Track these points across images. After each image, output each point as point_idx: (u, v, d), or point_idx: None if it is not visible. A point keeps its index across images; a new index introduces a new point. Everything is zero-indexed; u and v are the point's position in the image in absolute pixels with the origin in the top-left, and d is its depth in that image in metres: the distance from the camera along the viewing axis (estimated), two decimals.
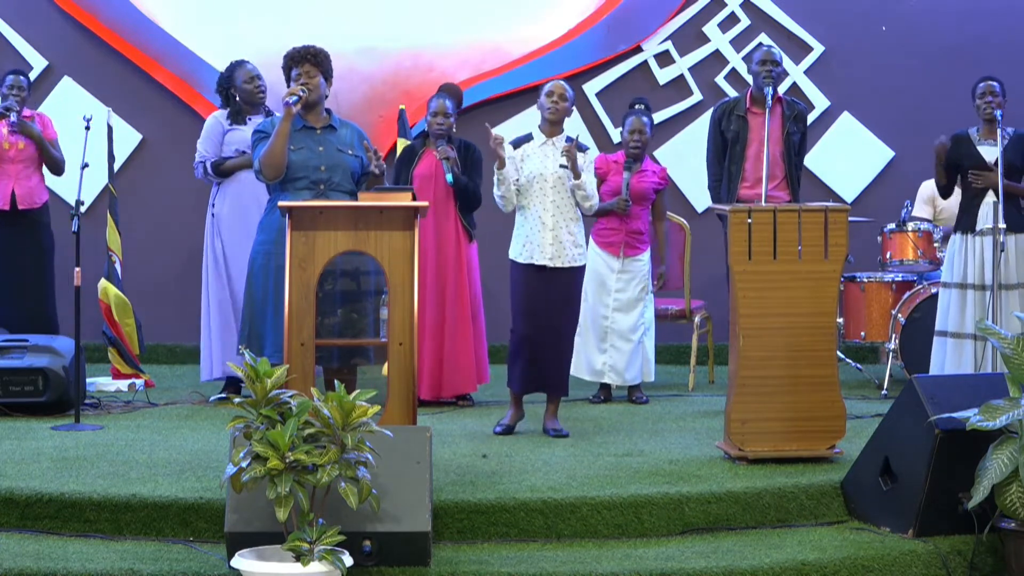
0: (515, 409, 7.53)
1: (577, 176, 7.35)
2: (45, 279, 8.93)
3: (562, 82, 7.52)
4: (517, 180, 7.42)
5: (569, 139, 7.40)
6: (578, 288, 7.56)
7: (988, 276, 7.86)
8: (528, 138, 7.51)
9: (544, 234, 7.39)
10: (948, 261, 8.11)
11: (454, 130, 8.38)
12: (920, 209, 9.40)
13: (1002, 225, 7.80)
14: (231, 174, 8.46)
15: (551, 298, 7.39)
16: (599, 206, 8.36)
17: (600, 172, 8.48)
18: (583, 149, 7.48)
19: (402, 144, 9.29)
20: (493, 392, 8.56)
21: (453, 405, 8.38)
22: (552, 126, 7.47)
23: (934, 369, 8.06)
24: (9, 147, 8.77)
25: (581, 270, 7.52)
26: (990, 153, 7.91)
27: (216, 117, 8.57)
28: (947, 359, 7.99)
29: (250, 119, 8.48)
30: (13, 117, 8.71)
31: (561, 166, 7.37)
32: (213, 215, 8.54)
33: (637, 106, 8.67)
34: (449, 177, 8.12)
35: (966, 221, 8.02)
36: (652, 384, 8.79)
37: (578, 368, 8.49)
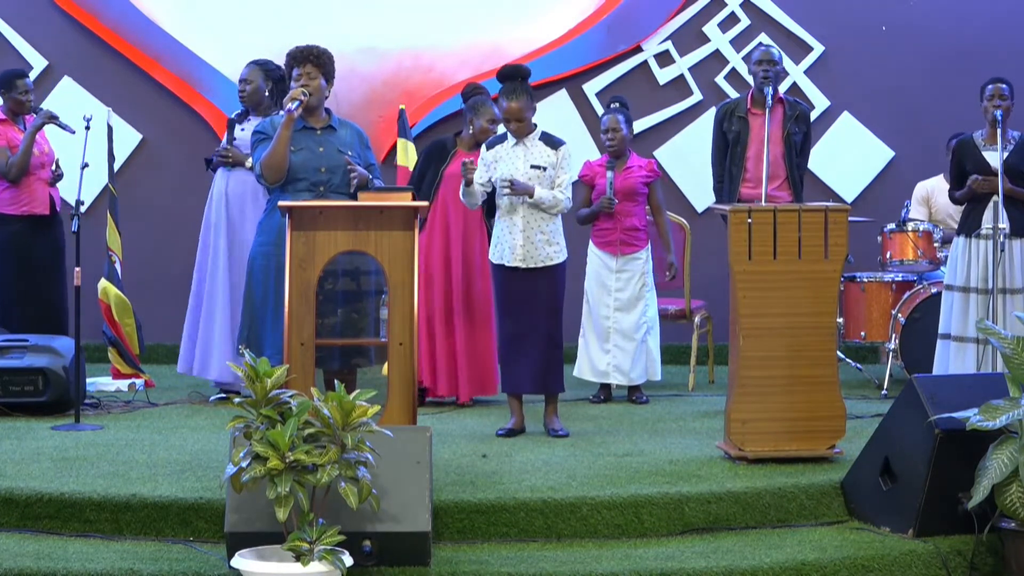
0: (517, 414, 7.51)
1: (531, 195, 7.29)
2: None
3: (515, 101, 7.27)
4: (485, 184, 7.40)
5: (513, 182, 7.29)
6: (558, 285, 7.43)
7: (991, 280, 7.85)
8: (503, 138, 7.48)
9: (515, 236, 7.36)
10: (951, 264, 8.09)
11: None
12: (915, 211, 9.40)
13: (1002, 226, 7.79)
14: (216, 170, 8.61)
15: (528, 298, 7.37)
16: (589, 211, 8.38)
17: (587, 178, 8.49)
18: (559, 144, 7.43)
19: (402, 144, 9.28)
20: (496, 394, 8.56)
21: (453, 405, 8.39)
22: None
23: (937, 372, 8.04)
24: (38, 154, 8.76)
25: (558, 268, 7.41)
26: (995, 158, 7.87)
27: (230, 118, 8.71)
28: (950, 362, 7.98)
29: (249, 119, 8.51)
30: (65, 124, 8.70)
31: (532, 166, 7.34)
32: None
33: (613, 105, 8.67)
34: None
35: (970, 224, 8.00)
36: (652, 384, 8.78)
37: (582, 369, 8.50)
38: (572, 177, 7.52)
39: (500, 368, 7.55)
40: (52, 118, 8.65)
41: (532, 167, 7.34)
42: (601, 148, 9.79)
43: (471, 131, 8.33)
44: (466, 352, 8.31)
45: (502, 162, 7.38)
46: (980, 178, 7.88)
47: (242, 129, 8.47)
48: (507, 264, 7.38)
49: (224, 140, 8.52)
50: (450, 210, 8.29)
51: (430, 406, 8.23)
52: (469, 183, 7.33)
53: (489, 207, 8.28)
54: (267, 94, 8.53)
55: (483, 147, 7.52)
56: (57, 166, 8.80)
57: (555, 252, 7.40)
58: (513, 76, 7.40)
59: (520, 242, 7.35)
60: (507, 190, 7.28)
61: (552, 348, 7.44)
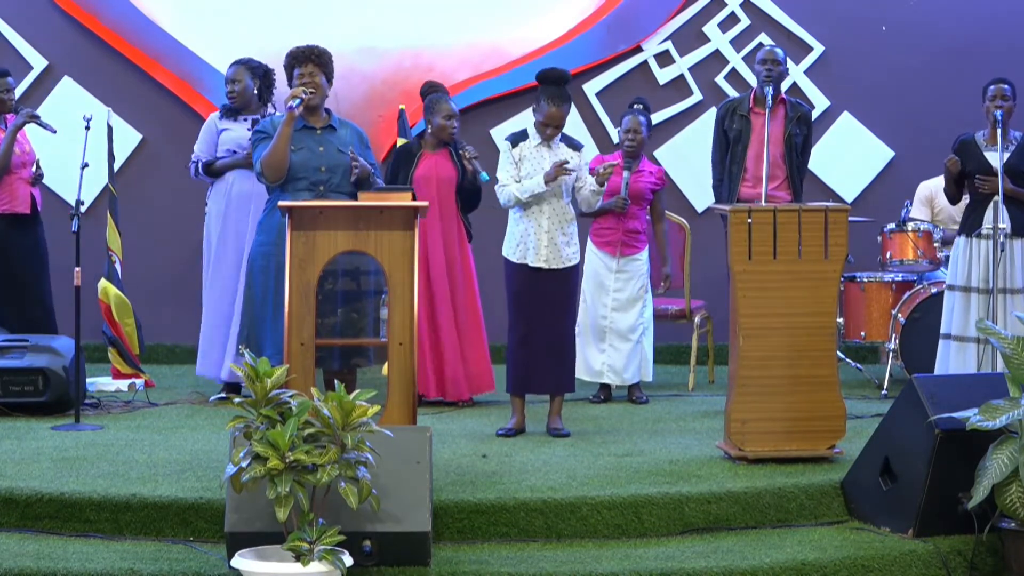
0: (518, 414, 7.51)
1: (601, 184, 7.38)
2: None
3: (559, 107, 7.29)
4: (516, 177, 7.42)
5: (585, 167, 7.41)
6: (575, 286, 7.55)
7: (992, 280, 7.84)
8: (524, 135, 7.48)
9: (539, 236, 7.37)
10: (952, 264, 8.08)
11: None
12: (918, 210, 9.40)
13: (1002, 226, 7.79)
14: (222, 174, 8.51)
15: (547, 298, 7.39)
16: (597, 206, 8.37)
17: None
18: (580, 147, 7.48)
19: (402, 144, 9.28)
20: (492, 392, 8.55)
21: (453, 405, 8.38)
22: None
23: (938, 372, 8.03)
24: (20, 153, 8.77)
25: (576, 268, 7.50)
26: (996, 158, 7.87)
27: (212, 117, 8.65)
28: (951, 362, 7.98)
29: (246, 118, 8.50)
30: (47, 123, 8.69)
31: (589, 169, 7.41)
32: (206, 214, 8.61)
33: (636, 106, 8.67)
34: (484, 175, 8.02)
35: (971, 224, 7.99)
36: (652, 384, 8.78)
37: (577, 368, 8.47)
38: None
39: (508, 367, 7.52)
40: (33, 117, 8.65)
41: (566, 168, 7.36)
42: (601, 147, 9.83)
43: (430, 129, 8.34)
44: (458, 352, 8.29)
45: (527, 160, 7.38)
46: (956, 157, 7.89)
47: (225, 129, 8.50)
48: (530, 264, 7.38)
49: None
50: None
51: (430, 406, 8.22)
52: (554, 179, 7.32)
53: (464, 202, 8.29)
54: (254, 92, 8.54)
55: (506, 142, 7.50)
56: (38, 166, 8.82)
57: (573, 254, 7.44)
58: (558, 81, 7.37)
59: (544, 243, 7.36)
60: (603, 185, 7.41)
61: (565, 348, 7.47)
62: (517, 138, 7.49)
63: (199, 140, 8.61)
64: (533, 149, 7.42)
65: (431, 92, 8.48)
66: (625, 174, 8.39)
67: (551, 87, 7.35)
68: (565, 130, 7.53)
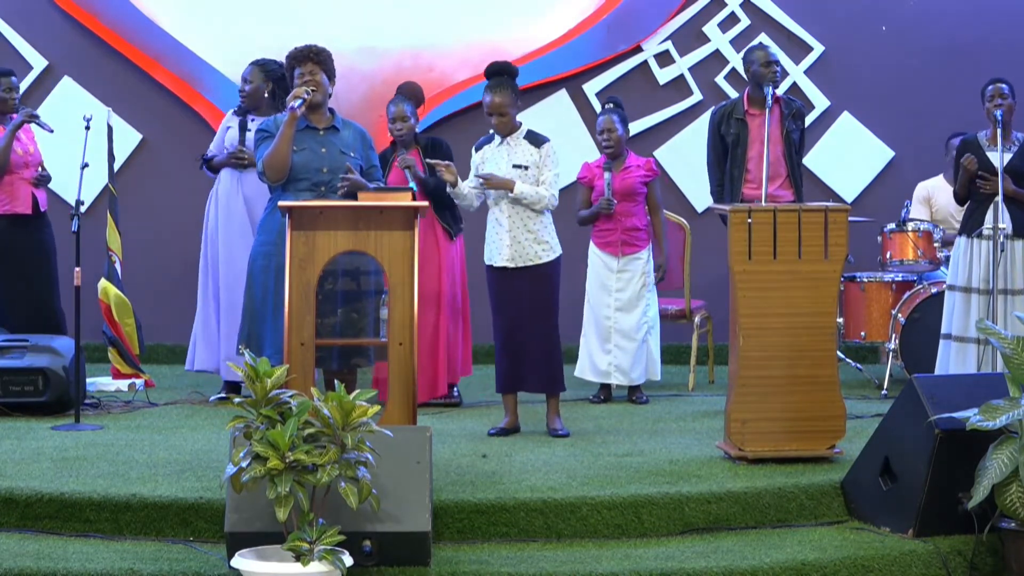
0: (510, 414, 7.51)
1: (511, 189, 7.29)
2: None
3: (495, 94, 7.31)
4: (477, 187, 7.40)
5: (482, 176, 7.34)
6: (549, 284, 7.41)
7: (992, 280, 7.84)
8: (490, 139, 7.49)
9: (502, 235, 7.37)
10: (953, 264, 8.08)
11: (417, 131, 8.40)
12: (916, 211, 9.39)
13: (1002, 226, 7.79)
14: (218, 171, 8.58)
15: (520, 297, 7.36)
16: (589, 212, 8.38)
17: (586, 180, 8.48)
18: (542, 142, 7.43)
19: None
20: (492, 392, 8.54)
21: (446, 405, 8.37)
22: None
23: (939, 372, 8.03)
24: (22, 153, 8.77)
25: (549, 265, 7.38)
26: (998, 159, 7.86)
27: (227, 115, 8.72)
28: (951, 363, 7.98)
29: (253, 119, 8.51)
30: (44, 122, 8.69)
31: (515, 166, 7.34)
32: (206, 214, 8.64)
33: (608, 105, 8.67)
34: (412, 184, 8.03)
35: (972, 224, 7.99)
36: (652, 384, 8.78)
37: (583, 369, 8.50)
38: (559, 173, 7.50)
39: (496, 368, 7.54)
40: (32, 116, 8.66)
41: (514, 167, 7.35)
42: (601, 148, 9.82)
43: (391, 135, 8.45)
44: (439, 350, 8.27)
45: (488, 162, 7.40)
46: (972, 156, 7.88)
47: (231, 127, 8.53)
48: (495, 264, 7.39)
49: (238, 140, 8.49)
50: None
51: (430, 406, 8.22)
52: (453, 185, 7.32)
53: (437, 202, 8.28)
54: (266, 95, 8.54)
55: (472, 149, 7.54)
56: (43, 168, 8.81)
57: (543, 251, 7.39)
58: (499, 72, 7.43)
59: (507, 242, 7.35)
60: (484, 184, 7.30)
61: (549, 347, 7.43)
62: (482, 143, 7.51)
63: (216, 137, 8.73)
64: (495, 150, 7.43)
65: (396, 96, 8.59)
66: (606, 175, 8.37)
67: (491, 78, 7.41)
68: (557, 129, 7.52)
